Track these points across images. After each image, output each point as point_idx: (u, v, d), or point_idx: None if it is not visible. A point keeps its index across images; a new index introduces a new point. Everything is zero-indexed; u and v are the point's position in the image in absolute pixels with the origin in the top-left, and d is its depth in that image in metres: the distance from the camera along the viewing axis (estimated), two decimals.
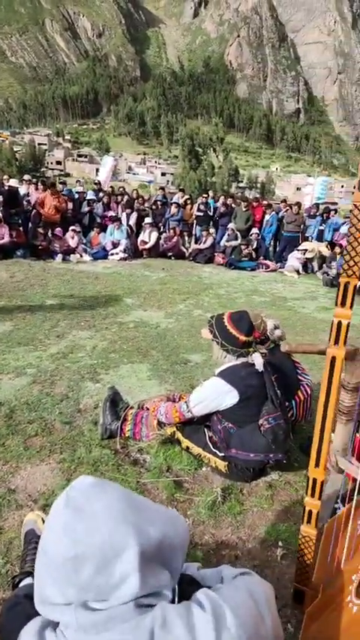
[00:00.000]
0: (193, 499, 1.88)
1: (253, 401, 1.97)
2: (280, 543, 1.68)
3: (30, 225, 8.78)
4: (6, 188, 9.06)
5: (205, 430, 2.09)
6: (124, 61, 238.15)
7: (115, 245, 9.25)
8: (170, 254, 9.61)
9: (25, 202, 9.37)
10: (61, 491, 1.77)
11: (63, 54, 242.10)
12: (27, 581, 1.09)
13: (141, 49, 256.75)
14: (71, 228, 8.79)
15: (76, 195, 10.35)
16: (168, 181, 79.77)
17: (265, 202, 11.58)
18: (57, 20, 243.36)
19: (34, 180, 10.77)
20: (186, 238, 10.12)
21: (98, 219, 9.91)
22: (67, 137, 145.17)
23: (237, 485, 2.00)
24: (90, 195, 10.40)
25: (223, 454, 2.00)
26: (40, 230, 8.49)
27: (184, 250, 9.84)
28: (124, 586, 0.61)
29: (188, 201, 10.90)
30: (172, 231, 9.84)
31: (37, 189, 10.04)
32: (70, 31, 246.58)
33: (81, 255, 8.79)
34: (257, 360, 2.04)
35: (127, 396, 2.65)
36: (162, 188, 12.32)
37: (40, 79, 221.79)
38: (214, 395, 2.00)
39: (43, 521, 1.33)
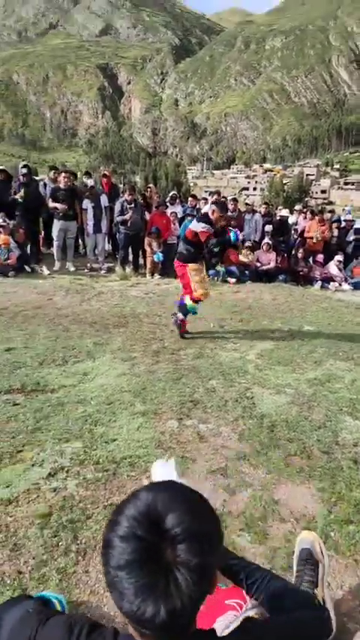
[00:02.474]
0: None
1: None
2: None
3: (293, 251, 9.15)
4: (277, 218, 9.76)
5: None
6: None
7: None
8: None
9: (292, 230, 9.84)
10: (323, 519, 1.76)
11: (345, 86, 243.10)
12: None
13: None
14: (336, 257, 8.67)
15: (343, 224, 10.12)
16: None
17: None
18: (344, 55, 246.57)
19: (305, 209, 11.16)
20: None
21: None
22: (336, 166, 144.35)
23: None
24: (358, 224, 9.98)
25: None
26: (301, 255, 8.73)
27: None
28: None
29: None
30: None
31: (305, 217, 10.35)
32: (356, 62, 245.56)
33: (340, 284, 8.54)
34: None
35: None
36: None
37: (318, 114, 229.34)
38: None
39: (320, 545, 1.33)
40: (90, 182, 8.12)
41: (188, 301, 4.46)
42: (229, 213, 8.97)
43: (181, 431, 2.55)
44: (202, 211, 8.65)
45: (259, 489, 2.00)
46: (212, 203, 4.59)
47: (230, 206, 9.20)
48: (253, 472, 2.16)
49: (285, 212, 10.39)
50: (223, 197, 10.49)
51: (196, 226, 4.34)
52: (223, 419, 2.76)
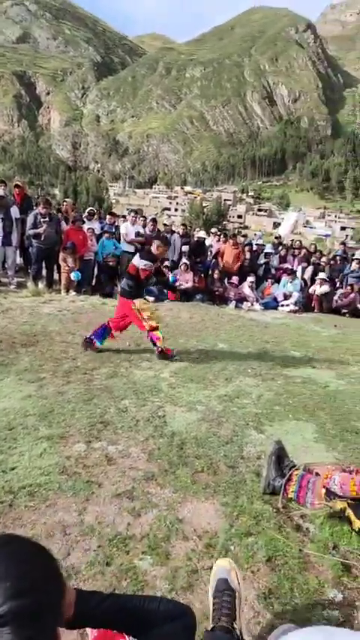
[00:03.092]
0: None
1: None
2: None
3: (210, 272, 9.55)
4: (195, 239, 10.14)
5: None
6: (316, 122, 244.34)
7: (286, 297, 9.28)
8: (345, 311, 9.10)
9: (209, 252, 10.27)
10: (224, 534, 1.81)
11: (259, 120, 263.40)
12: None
13: (334, 108, 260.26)
14: (249, 279, 9.20)
15: (255, 247, 10.82)
16: (347, 235, 76.78)
17: None
18: (257, 91, 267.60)
19: (219, 232, 11.75)
20: None
21: (273, 271, 10.14)
22: (251, 193, 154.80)
23: None
24: (268, 249, 10.75)
25: None
26: (217, 276, 9.16)
27: None
28: None
29: None
30: (349, 287, 9.35)
31: (218, 240, 10.87)
32: (267, 99, 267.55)
33: (252, 304, 9.07)
34: None
35: (291, 454, 2.56)
36: (343, 243, 11.93)
37: (235, 144, 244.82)
38: None
39: (236, 573, 1.35)
40: (0, 192, 7.74)
41: (157, 333, 4.50)
42: (148, 233, 9.14)
43: (88, 454, 2.47)
44: (122, 230, 8.79)
45: (165, 509, 2.00)
46: (156, 238, 4.71)
47: (149, 226, 9.37)
48: (160, 492, 2.16)
49: (202, 234, 10.83)
50: (143, 216, 10.65)
51: (138, 262, 4.34)
52: (134, 439, 2.73)
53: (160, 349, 4.53)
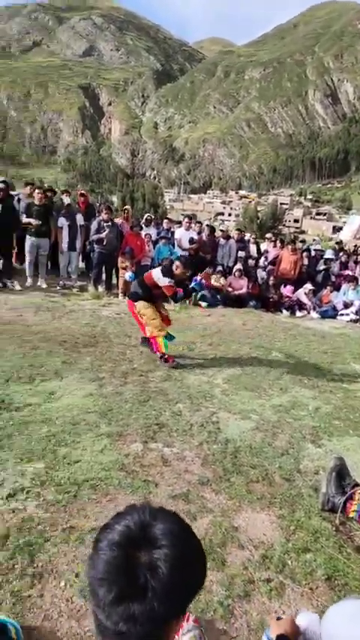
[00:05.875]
0: None
1: None
2: None
3: (265, 278, 9.41)
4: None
5: None
6: None
7: (346, 305, 8.91)
8: None
9: (263, 258, 10.11)
10: (281, 547, 1.80)
11: (320, 119, 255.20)
12: None
13: None
14: (306, 286, 8.95)
15: (313, 253, 10.50)
16: None
17: None
18: (320, 89, 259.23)
19: (273, 238, 11.52)
20: None
21: (333, 278, 9.78)
22: (309, 197, 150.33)
23: None
24: (328, 254, 10.40)
25: None
26: (272, 283, 9.00)
27: None
28: None
29: None
30: None
31: (275, 246, 10.63)
32: (331, 97, 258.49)
33: (308, 312, 8.82)
34: None
35: (352, 472, 2.47)
36: None
37: (294, 145, 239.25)
38: None
39: None
40: (67, 200, 8.14)
41: (158, 341, 4.35)
42: (204, 239, 9.20)
43: (145, 454, 2.55)
44: (176, 236, 8.90)
45: (220, 516, 2.02)
46: (177, 259, 4.59)
47: (205, 233, 9.45)
48: (215, 498, 2.18)
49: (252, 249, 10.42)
50: (198, 222, 10.72)
51: (161, 280, 4.25)
52: (188, 443, 2.77)
53: (161, 358, 4.38)
